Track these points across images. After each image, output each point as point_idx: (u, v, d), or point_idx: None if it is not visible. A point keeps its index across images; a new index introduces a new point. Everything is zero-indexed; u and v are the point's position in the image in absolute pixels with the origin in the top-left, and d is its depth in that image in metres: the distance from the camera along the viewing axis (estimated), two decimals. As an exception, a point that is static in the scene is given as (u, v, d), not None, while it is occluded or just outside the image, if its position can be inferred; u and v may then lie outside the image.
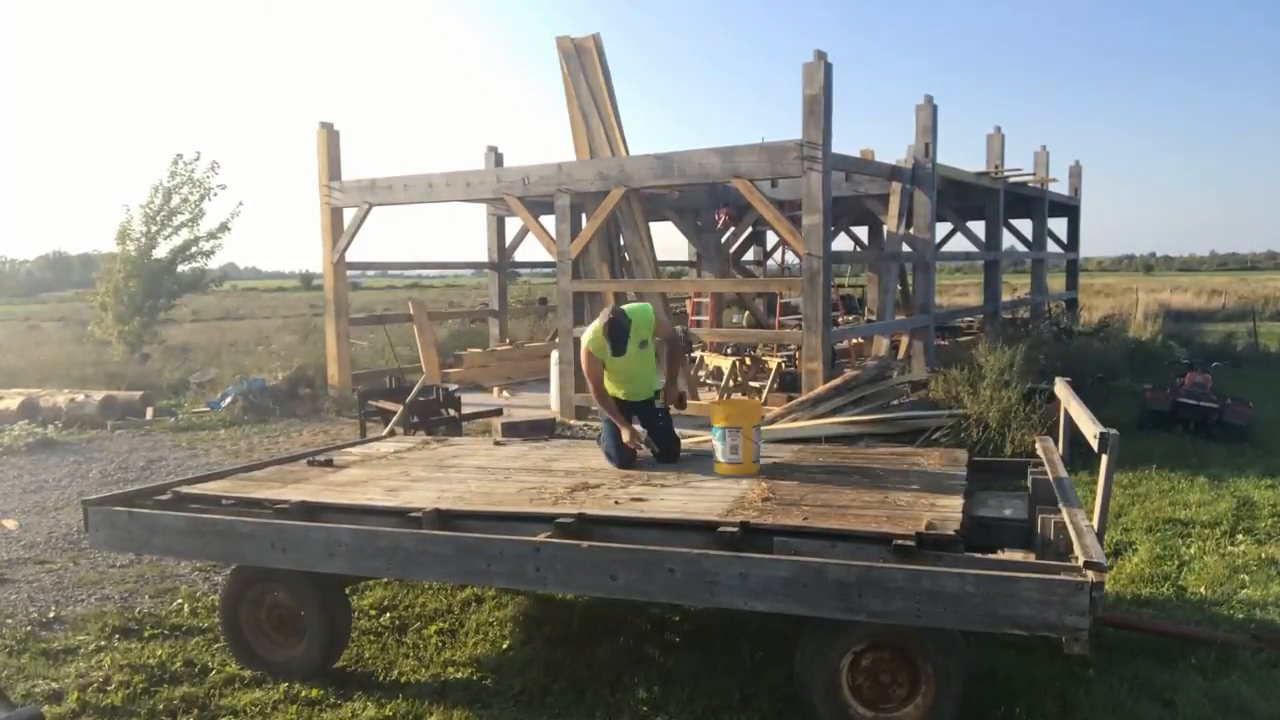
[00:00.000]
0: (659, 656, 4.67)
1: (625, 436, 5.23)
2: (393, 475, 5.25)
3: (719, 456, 4.97)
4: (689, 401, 6.25)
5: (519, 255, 18.33)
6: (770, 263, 20.49)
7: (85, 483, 9.04)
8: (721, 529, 3.87)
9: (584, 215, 12.22)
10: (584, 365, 5.44)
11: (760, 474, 4.89)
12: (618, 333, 5.22)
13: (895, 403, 9.69)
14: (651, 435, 5.34)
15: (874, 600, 3.36)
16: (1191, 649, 4.55)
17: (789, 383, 11.46)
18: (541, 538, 3.93)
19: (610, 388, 5.49)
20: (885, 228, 13.39)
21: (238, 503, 4.76)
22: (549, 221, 12.59)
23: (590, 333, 5.37)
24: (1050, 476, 4.53)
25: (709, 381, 12.56)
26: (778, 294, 15.53)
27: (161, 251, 18.55)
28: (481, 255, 17.90)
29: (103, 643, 5.07)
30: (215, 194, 18.55)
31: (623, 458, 5.24)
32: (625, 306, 5.44)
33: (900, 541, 3.63)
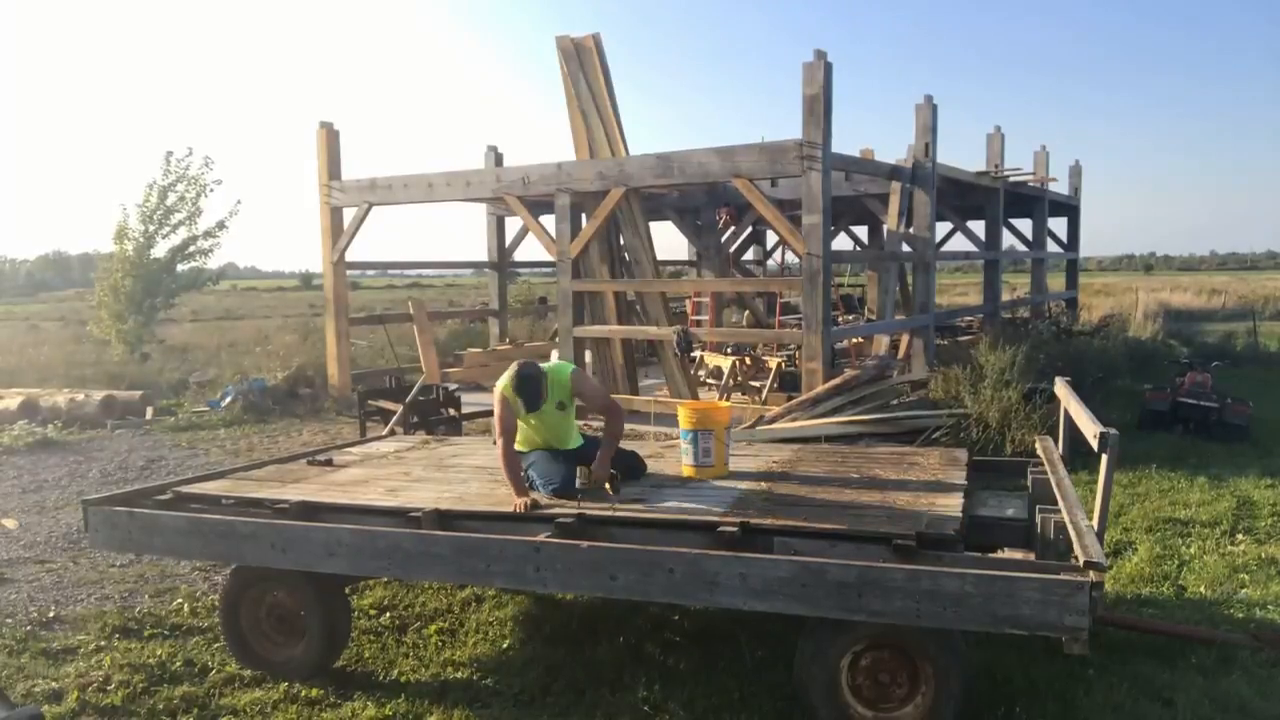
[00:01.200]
0: (659, 656, 4.67)
1: (517, 503, 4.35)
2: (392, 475, 5.25)
3: (688, 460, 4.90)
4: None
5: (519, 255, 18.34)
6: (770, 262, 20.51)
7: (85, 482, 9.03)
8: (721, 529, 3.88)
9: (584, 215, 12.21)
10: (497, 412, 4.72)
11: (760, 474, 4.89)
12: (529, 387, 4.66)
13: (895, 402, 9.68)
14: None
15: (874, 600, 3.36)
16: (1191, 649, 4.55)
17: (789, 382, 11.46)
18: (541, 538, 3.94)
19: (530, 433, 4.90)
20: (885, 227, 13.39)
21: (238, 503, 4.77)
22: (549, 221, 12.58)
23: (504, 379, 4.74)
24: (1050, 476, 4.53)
25: (709, 381, 12.56)
26: (778, 294, 15.55)
27: (160, 251, 18.55)
28: (481, 255, 17.90)
29: (103, 642, 5.07)
30: (212, 190, 18.54)
31: (564, 486, 4.57)
32: (545, 364, 4.94)
33: (900, 541, 3.64)
